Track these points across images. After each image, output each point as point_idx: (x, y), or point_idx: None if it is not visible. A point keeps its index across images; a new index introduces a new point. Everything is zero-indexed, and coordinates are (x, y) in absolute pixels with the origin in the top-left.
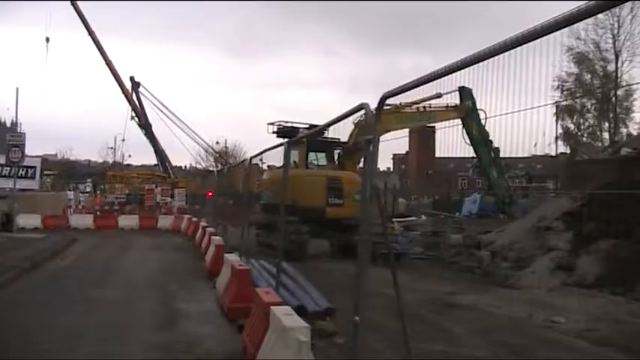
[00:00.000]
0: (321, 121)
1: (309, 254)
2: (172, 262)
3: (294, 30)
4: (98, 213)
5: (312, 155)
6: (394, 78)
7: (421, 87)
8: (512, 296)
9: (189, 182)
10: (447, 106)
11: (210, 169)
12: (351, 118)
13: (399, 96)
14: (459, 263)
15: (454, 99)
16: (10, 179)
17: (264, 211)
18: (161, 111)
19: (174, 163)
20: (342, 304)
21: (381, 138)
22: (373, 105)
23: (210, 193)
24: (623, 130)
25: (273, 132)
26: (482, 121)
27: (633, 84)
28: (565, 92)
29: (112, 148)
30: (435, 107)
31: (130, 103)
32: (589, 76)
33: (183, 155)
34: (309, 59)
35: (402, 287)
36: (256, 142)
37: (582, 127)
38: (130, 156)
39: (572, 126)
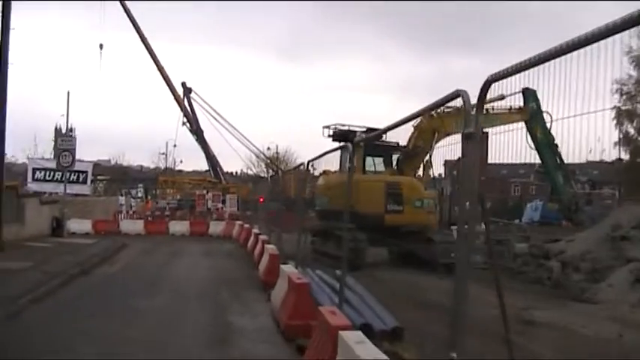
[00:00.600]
0: (373, 126)
1: (367, 263)
2: (224, 271)
3: (344, 33)
4: (150, 218)
5: (369, 160)
6: (447, 83)
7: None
8: (591, 312)
9: (240, 188)
10: (510, 109)
11: (262, 174)
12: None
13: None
14: (527, 274)
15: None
16: (61, 184)
17: (319, 217)
18: (212, 117)
19: (225, 169)
20: (408, 321)
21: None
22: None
23: (262, 199)
24: None
25: (329, 135)
26: (547, 125)
27: None
28: (625, 96)
29: (163, 153)
30: (499, 110)
31: (182, 109)
32: None
33: (234, 161)
34: (358, 63)
35: (473, 300)
36: (307, 147)
37: None
38: (181, 162)
39: (632, 130)
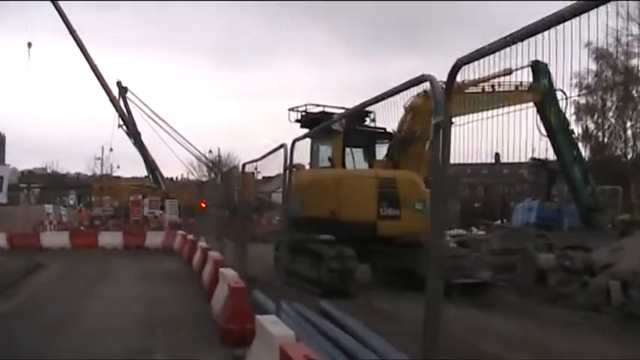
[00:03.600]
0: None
1: (356, 287)
2: (164, 306)
3: (281, 34)
4: (82, 228)
5: (350, 152)
6: (391, 83)
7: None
8: None
9: (182, 193)
10: (517, 86)
11: (203, 179)
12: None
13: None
14: (569, 296)
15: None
16: None
17: (288, 226)
18: (151, 118)
19: (165, 175)
20: None
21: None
22: None
23: (204, 204)
24: None
25: (297, 120)
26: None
27: None
28: (584, 90)
29: (99, 158)
30: (506, 86)
31: (117, 110)
32: (610, 72)
33: (174, 166)
34: (297, 64)
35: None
36: (252, 151)
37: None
38: (118, 167)
39: (592, 126)
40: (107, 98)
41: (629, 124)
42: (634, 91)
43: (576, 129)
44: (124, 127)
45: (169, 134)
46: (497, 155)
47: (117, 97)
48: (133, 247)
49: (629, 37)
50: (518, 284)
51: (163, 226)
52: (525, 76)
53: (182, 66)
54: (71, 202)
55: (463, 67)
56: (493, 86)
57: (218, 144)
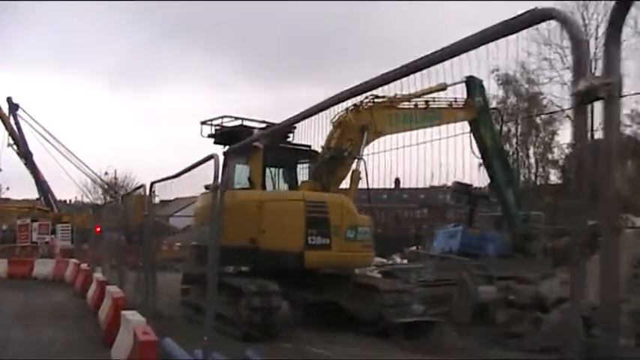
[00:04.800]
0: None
1: (281, 327)
2: (51, 357)
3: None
4: None
5: (270, 172)
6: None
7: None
8: None
9: (75, 216)
10: (451, 103)
11: (98, 202)
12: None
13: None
14: (521, 336)
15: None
16: None
17: (195, 256)
18: (44, 137)
19: (58, 197)
20: None
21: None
22: None
23: (99, 229)
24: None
25: (209, 135)
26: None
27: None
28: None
29: None
30: (438, 103)
31: (7, 128)
32: (514, 98)
33: (68, 188)
34: (201, 92)
35: None
36: (149, 173)
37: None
38: (7, 189)
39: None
40: None
41: (532, 150)
42: (537, 119)
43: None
44: (14, 147)
45: (63, 155)
46: (397, 180)
47: (7, 114)
48: (18, 277)
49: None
50: (456, 320)
51: (54, 253)
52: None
53: (78, 87)
54: None
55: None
56: (427, 102)
57: (115, 166)
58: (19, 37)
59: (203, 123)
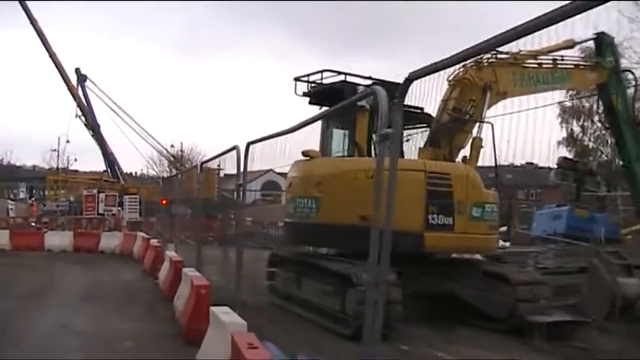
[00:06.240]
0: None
1: (399, 325)
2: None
3: (244, 31)
4: (33, 224)
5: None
6: None
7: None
8: None
9: (143, 188)
10: (579, 63)
11: (164, 174)
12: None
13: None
14: None
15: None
16: None
17: (289, 236)
18: (111, 109)
19: (124, 170)
20: None
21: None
22: None
23: (165, 201)
24: None
25: (305, 94)
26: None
27: None
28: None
29: (55, 150)
30: (567, 62)
31: (75, 99)
32: None
33: (134, 161)
34: (260, 62)
35: None
36: (213, 146)
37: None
38: (75, 160)
39: (577, 129)
40: (65, 87)
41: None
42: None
43: (561, 133)
44: (82, 118)
45: (130, 126)
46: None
47: (75, 86)
48: (84, 251)
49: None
50: (588, 316)
51: (121, 226)
52: None
53: (145, 57)
54: (22, 195)
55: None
56: (554, 60)
57: (182, 137)
58: (87, 8)
59: (297, 79)
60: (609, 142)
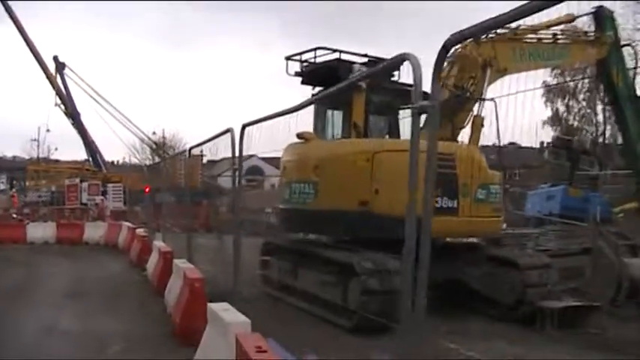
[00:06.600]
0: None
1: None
2: None
3: (229, 20)
4: (14, 216)
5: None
6: None
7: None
8: None
9: (125, 176)
10: (580, 35)
11: (147, 162)
12: None
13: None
14: None
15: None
16: None
17: (284, 223)
18: (91, 97)
19: (106, 158)
20: None
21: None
22: None
23: (148, 189)
24: None
25: (297, 74)
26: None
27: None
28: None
29: (35, 140)
30: (566, 37)
31: (54, 87)
32: None
33: (115, 149)
34: (246, 51)
35: None
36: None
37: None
38: (56, 149)
39: (562, 108)
40: (44, 75)
41: (600, 107)
42: None
43: (546, 112)
44: (62, 107)
45: (111, 114)
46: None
47: (53, 74)
48: (68, 242)
49: None
50: (592, 300)
51: (104, 215)
52: None
53: (125, 45)
54: (2, 187)
55: None
56: (555, 35)
57: (163, 125)
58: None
59: (288, 58)
60: (594, 120)
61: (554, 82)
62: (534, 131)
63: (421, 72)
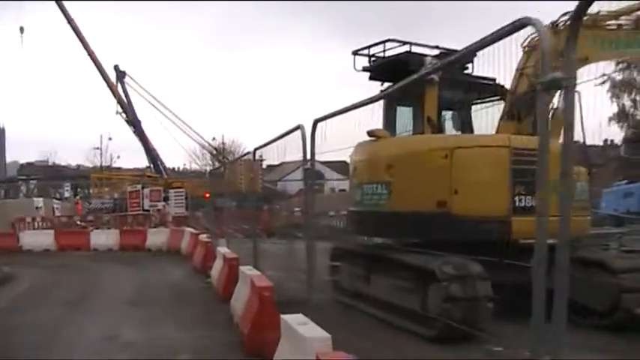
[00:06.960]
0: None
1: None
2: None
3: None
4: (79, 223)
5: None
6: None
7: None
8: None
9: (187, 182)
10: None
11: (207, 168)
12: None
13: None
14: None
15: None
16: None
17: (355, 226)
18: (151, 104)
19: (167, 164)
20: None
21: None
22: None
23: (208, 194)
24: None
25: (364, 69)
26: None
27: None
28: (621, 64)
29: (97, 148)
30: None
31: (115, 96)
32: None
33: (175, 156)
34: (295, 53)
35: None
36: (255, 139)
37: None
38: (118, 157)
39: (629, 103)
40: (105, 84)
41: None
42: None
43: (612, 107)
44: (123, 115)
45: (171, 121)
46: None
47: (115, 83)
48: (130, 249)
49: None
50: None
51: (166, 221)
52: None
53: (184, 51)
54: (67, 194)
55: None
56: (638, 20)
57: (223, 131)
58: (124, 8)
59: (355, 53)
60: None
61: (620, 76)
62: (599, 128)
63: (548, 39)
